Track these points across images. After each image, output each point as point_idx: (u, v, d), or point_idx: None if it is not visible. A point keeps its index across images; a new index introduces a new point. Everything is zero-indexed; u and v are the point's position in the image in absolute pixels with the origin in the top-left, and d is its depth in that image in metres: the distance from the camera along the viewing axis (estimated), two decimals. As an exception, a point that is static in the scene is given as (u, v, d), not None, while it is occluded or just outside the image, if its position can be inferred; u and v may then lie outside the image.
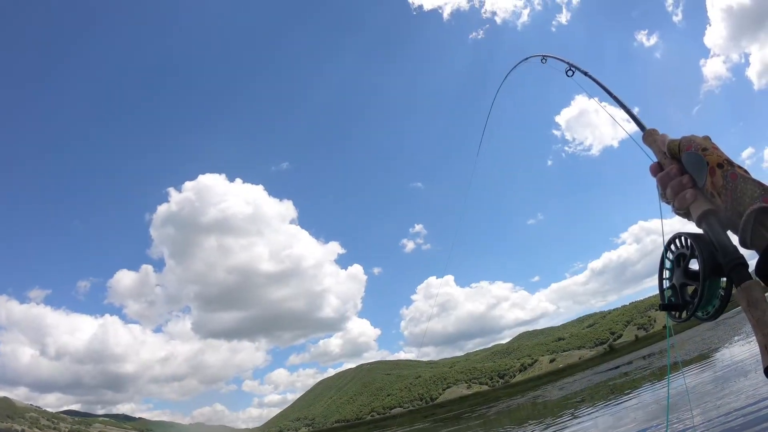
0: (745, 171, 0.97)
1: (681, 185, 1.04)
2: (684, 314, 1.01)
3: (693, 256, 1.00)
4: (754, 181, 0.94)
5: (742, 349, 20.86)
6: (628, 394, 20.45)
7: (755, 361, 13.72)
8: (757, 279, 0.89)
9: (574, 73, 1.78)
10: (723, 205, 0.97)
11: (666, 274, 1.09)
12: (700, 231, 1.01)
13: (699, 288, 0.96)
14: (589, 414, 15.32)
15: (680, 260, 1.05)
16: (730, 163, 0.99)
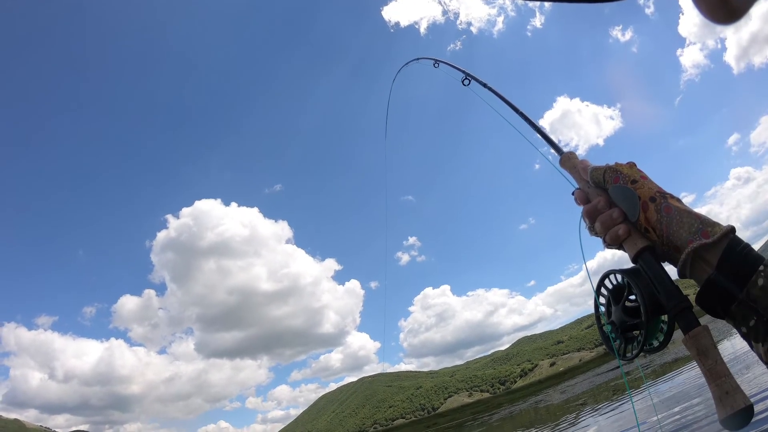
0: (678, 200, 0.92)
1: (612, 220, 0.97)
2: (631, 353, 0.98)
3: (630, 292, 0.97)
4: (690, 212, 0.88)
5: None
6: (632, 393, 20.14)
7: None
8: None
9: (470, 82, 1.73)
10: (658, 240, 0.92)
11: (602, 309, 1.05)
12: (632, 266, 0.96)
13: (643, 330, 0.93)
14: (591, 416, 14.97)
15: (618, 297, 1.00)
16: (663, 194, 0.93)
